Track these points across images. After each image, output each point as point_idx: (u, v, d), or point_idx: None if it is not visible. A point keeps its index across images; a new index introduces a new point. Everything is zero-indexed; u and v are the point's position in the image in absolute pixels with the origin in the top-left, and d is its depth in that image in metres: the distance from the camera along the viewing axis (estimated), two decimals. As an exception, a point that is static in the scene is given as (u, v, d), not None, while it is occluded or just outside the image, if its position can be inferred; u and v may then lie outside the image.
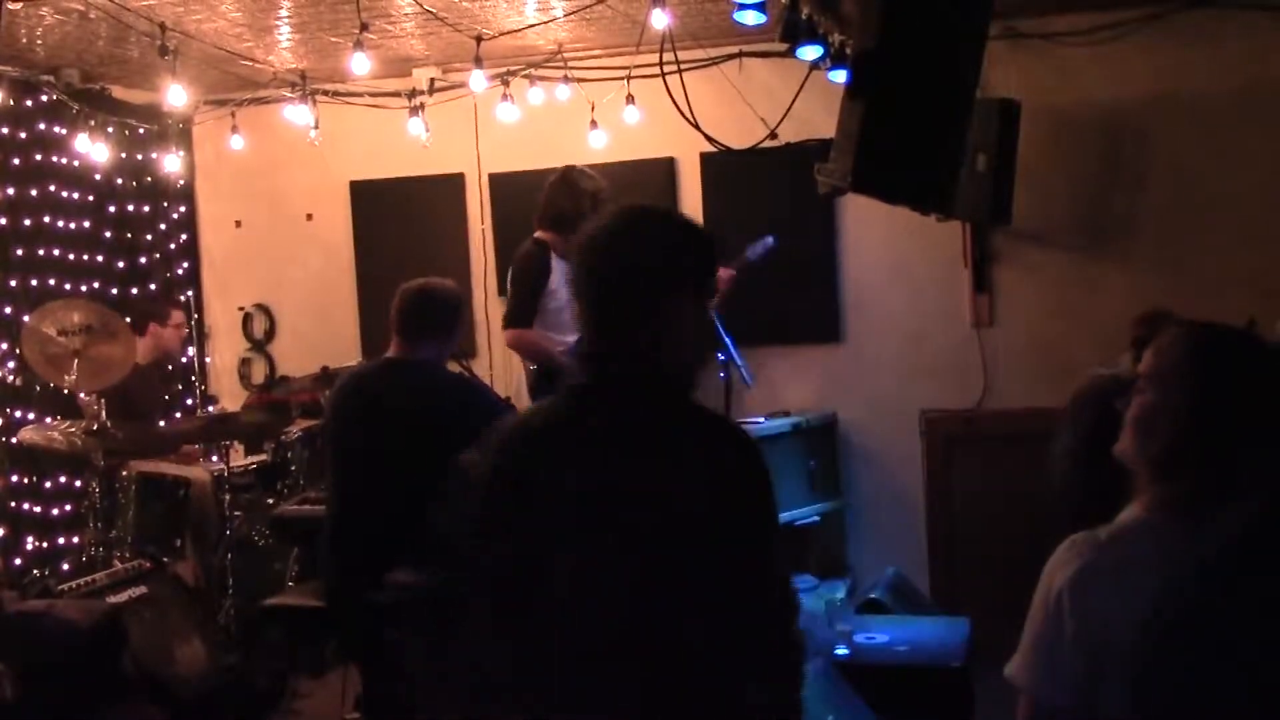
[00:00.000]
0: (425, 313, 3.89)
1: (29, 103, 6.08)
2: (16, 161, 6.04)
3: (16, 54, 5.75)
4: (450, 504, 3.93)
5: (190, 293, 6.88)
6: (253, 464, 5.62)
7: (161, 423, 5.97)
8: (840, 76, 4.83)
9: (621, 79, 6.13)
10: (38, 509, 5.99)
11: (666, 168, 6.44)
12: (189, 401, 6.86)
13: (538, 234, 5.12)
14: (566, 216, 5.08)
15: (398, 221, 6.79)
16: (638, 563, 1.86)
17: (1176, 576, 1.65)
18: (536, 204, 5.20)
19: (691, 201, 6.43)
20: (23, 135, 6.07)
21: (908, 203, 4.03)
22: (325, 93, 6.58)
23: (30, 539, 5.95)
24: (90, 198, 6.45)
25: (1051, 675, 1.73)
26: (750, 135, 5.21)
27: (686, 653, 1.86)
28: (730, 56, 6.17)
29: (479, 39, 5.45)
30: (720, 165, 6.23)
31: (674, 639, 1.86)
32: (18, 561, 5.85)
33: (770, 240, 5.66)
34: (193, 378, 6.88)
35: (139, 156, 6.77)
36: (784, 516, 5.78)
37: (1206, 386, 1.77)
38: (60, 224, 6.26)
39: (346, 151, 6.81)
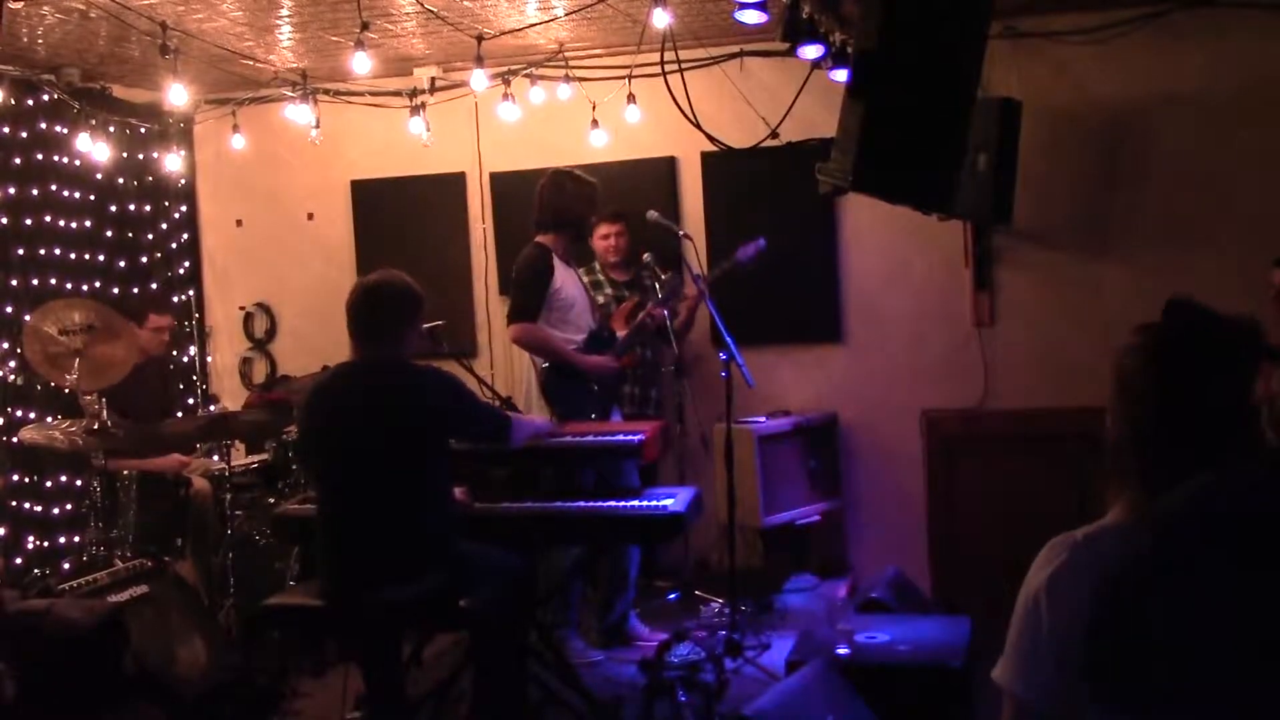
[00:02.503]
0: (374, 311, 3.80)
1: (30, 102, 6.08)
2: (17, 161, 6.04)
3: (17, 53, 5.75)
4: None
5: (191, 292, 6.89)
6: (254, 463, 5.62)
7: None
8: (841, 76, 4.83)
9: (622, 78, 6.13)
10: (38, 508, 5.99)
11: (667, 167, 6.44)
12: (190, 401, 6.87)
13: (538, 238, 5.14)
14: (561, 218, 5.11)
15: (399, 221, 6.79)
16: None
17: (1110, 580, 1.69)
18: (530, 209, 5.22)
19: (692, 201, 6.43)
20: (24, 134, 6.08)
21: (909, 202, 4.03)
22: (326, 92, 6.59)
23: (31, 538, 5.95)
24: (91, 197, 6.45)
25: (1031, 676, 1.74)
26: (751, 135, 5.21)
27: None
28: (731, 56, 6.17)
29: (480, 38, 5.45)
30: (721, 164, 6.23)
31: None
32: (18, 560, 5.85)
33: (761, 242, 5.66)
34: (194, 377, 6.89)
35: (140, 156, 6.78)
36: (785, 516, 5.81)
37: (1124, 389, 1.78)
38: (61, 223, 6.26)
39: (347, 151, 6.82)
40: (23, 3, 4.83)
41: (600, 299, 5.81)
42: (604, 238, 5.86)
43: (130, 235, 6.75)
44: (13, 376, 5.88)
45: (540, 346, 5.06)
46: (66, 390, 5.32)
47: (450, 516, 3.87)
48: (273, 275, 7.12)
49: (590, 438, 4.54)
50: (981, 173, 5.32)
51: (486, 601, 3.76)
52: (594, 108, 6.21)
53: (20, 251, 6.02)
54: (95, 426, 4.95)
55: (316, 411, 3.86)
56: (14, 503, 5.90)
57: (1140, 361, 1.79)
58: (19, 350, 5.60)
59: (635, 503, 4.18)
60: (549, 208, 5.13)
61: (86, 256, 6.40)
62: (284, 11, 5.25)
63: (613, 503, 4.19)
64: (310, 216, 7.05)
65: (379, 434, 3.71)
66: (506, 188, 6.58)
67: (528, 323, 5.00)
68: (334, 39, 5.67)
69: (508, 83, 6.16)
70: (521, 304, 5.05)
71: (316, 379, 4.13)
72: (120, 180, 6.66)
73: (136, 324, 5.81)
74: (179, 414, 6.53)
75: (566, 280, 5.10)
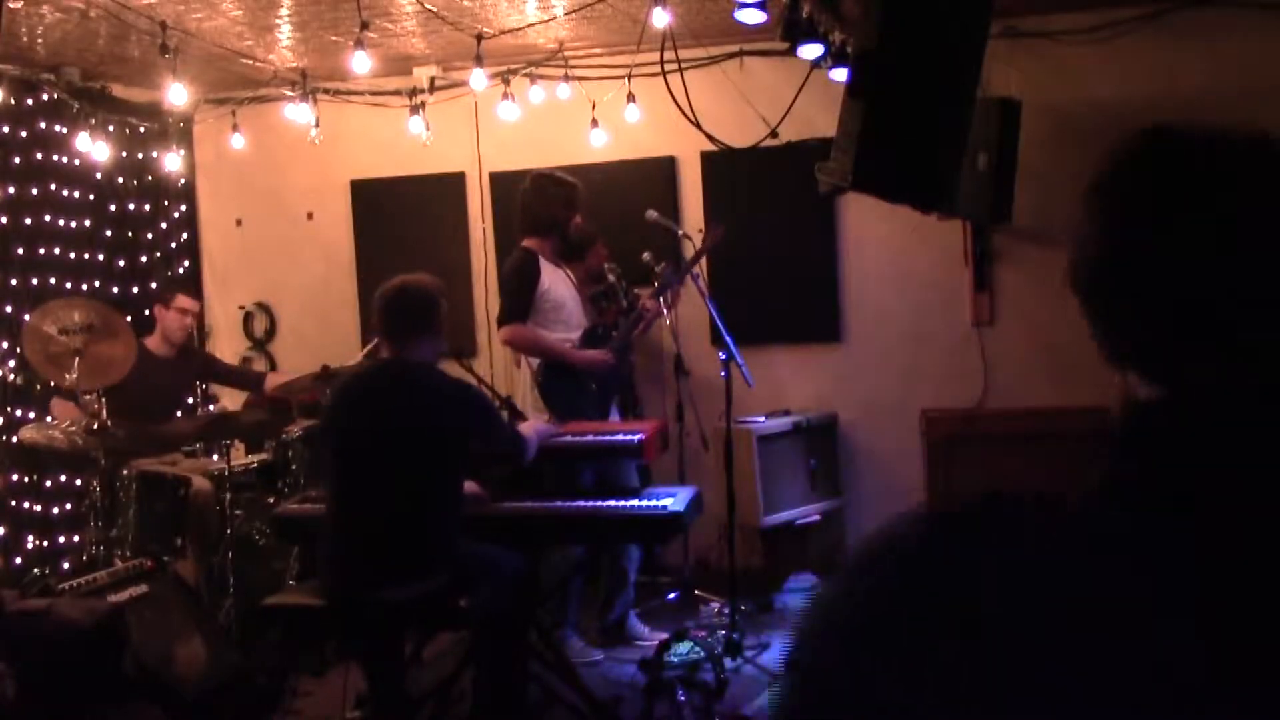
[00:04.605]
0: (408, 312, 3.86)
1: (29, 101, 6.08)
2: (17, 160, 6.04)
3: (17, 52, 5.75)
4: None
5: (190, 291, 6.88)
6: (253, 463, 5.61)
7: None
8: (841, 75, 4.83)
9: (622, 78, 6.13)
10: (38, 508, 5.99)
11: (667, 166, 6.44)
12: (189, 400, 6.86)
13: (524, 243, 5.14)
14: (544, 221, 5.11)
15: (398, 220, 6.79)
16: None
17: None
18: (514, 214, 5.23)
19: (692, 200, 6.43)
20: (23, 134, 6.07)
21: (908, 201, 4.03)
22: (326, 91, 6.58)
23: (31, 538, 5.95)
24: (91, 196, 6.45)
25: None
26: (751, 134, 5.21)
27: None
28: (731, 55, 6.17)
29: (479, 37, 5.45)
30: (721, 164, 6.23)
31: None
32: (18, 560, 5.85)
33: (721, 228, 5.60)
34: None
35: (139, 155, 6.77)
36: (785, 515, 5.81)
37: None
38: (61, 222, 6.26)
39: (347, 150, 6.81)
40: (23, 2, 4.83)
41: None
42: (597, 253, 5.77)
43: (130, 235, 6.75)
44: (13, 376, 5.87)
45: (531, 346, 5.08)
46: (66, 390, 5.32)
47: (455, 518, 3.88)
48: (272, 275, 7.11)
49: (590, 437, 4.54)
50: (981, 172, 5.33)
51: (487, 601, 3.77)
52: (594, 107, 6.21)
53: (20, 251, 6.02)
54: (95, 426, 4.95)
55: (341, 405, 3.89)
56: (14, 502, 5.90)
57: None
58: (19, 350, 5.60)
59: (635, 502, 4.18)
60: (532, 211, 5.14)
61: (86, 256, 6.40)
62: (284, 11, 5.24)
63: (613, 502, 4.20)
64: (310, 216, 7.05)
65: (396, 435, 3.72)
66: (506, 187, 6.56)
67: (516, 324, 5.01)
68: (334, 38, 5.67)
69: (507, 82, 6.16)
70: (508, 307, 5.07)
71: (350, 371, 4.15)
72: (120, 180, 6.66)
73: (163, 305, 5.79)
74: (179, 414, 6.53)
75: (555, 281, 5.10)
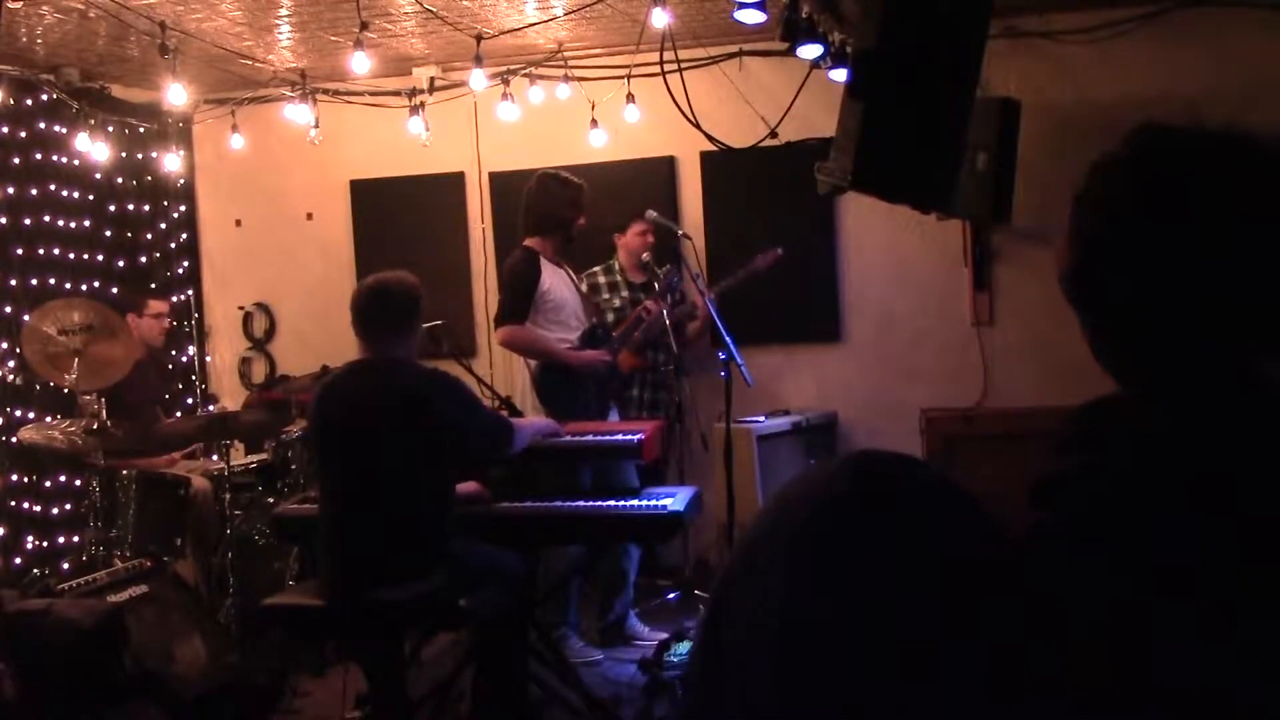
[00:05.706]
0: (382, 311, 3.86)
1: (29, 101, 6.08)
2: (16, 160, 6.04)
3: (16, 53, 5.75)
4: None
5: (190, 292, 6.89)
6: (253, 463, 5.62)
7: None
8: (841, 75, 4.83)
9: (622, 78, 6.13)
10: (38, 508, 5.99)
11: (667, 166, 6.44)
12: (189, 401, 6.87)
13: (525, 242, 5.14)
14: (548, 221, 5.11)
15: (398, 220, 6.79)
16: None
17: None
18: (519, 212, 5.23)
19: (691, 200, 6.43)
20: (23, 134, 6.08)
21: (908, 201, 4.03)
22: (325, 92, 6.58)
23: (30, 538, 5.95)
24: (90, 197, 6.45)
25: None
26: (750, 134, 5.21)
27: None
28: (730, 55, 6.18)
29: (479, 38, 5.45)
30: (720, 164, 6.23)
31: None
32: (18, 560, 5.85)
33: (779, 251, 5.68)
34: (193, 377, 6.88)
35: (139, 155, 6.77)
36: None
37: None
38: (60, 223, 6.26)
39: (346, 150, 6.81)
40: (22, 2, 4.83)
41: (617, 301, 5.75)
42: (641, 234, 5.70)
43: (129, 235, 6.75)
44: (12, 376, 5.87)
45: (529, 347, 5.08)
46: (66, 390, 5.32)
47: (451, 517, 3.88)
48: (272, 275, 7.11)
49: (590, 437, 4.54)
50: (981, 172, 5.33)
51: (486, 601, 3.76)
52: (593, 107, 6.21)
53: (20, 251, 6.02)
54: (94, 426, 4.95)
55: (326, 407, 3.87)
56: (13, 502, 5.90)
57: None
58: (18, 350, 5.60)
59: (634, 502, 4.18)
60: (535, 211, 5.14)
61: (86, 256, 6.40)
62: (283, 11, 5.25)
63: (612, 502, 4.19)
64: (309, 216, 7.05)
65: (384, 434, 3.71)
66: (505, 187, 6.58)
67: (514, 324, 5.01)
68: (333, 39, 5.67)
69: (507, 82, 6.16)
70: (508, 307, 5.08)
71: (329, 375, 4.15)
72: (119, 180, 6.66)
73: (136, 313, 5.80)
74: (178, 413, 6.54)
75: (555, 281, 5.10)
